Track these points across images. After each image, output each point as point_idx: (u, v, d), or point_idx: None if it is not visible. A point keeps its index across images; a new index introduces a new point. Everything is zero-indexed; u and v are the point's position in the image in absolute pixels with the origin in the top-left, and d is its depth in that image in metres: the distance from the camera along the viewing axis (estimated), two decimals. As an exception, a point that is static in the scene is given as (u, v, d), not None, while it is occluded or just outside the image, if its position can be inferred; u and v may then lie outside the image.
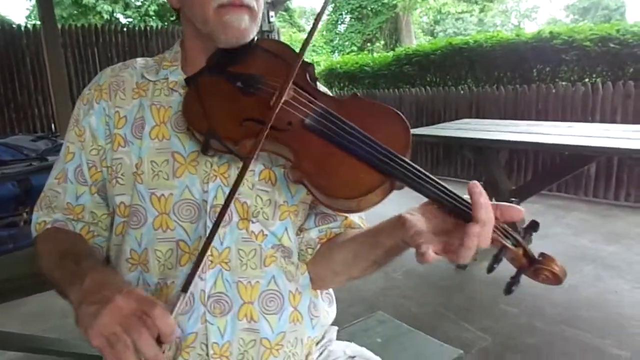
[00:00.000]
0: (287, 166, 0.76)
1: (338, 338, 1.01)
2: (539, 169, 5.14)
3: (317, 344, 0.93)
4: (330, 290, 0.96)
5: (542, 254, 0.66)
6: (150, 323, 0.58)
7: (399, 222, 0.69)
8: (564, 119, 4.86)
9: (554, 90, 5.01)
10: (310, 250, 0.88)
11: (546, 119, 4.97)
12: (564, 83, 5.08)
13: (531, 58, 5.66)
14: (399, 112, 0.76)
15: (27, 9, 18.86)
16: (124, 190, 0.82)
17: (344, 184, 0.68)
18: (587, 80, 5.22)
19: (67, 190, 0.86)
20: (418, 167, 0.67)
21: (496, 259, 0.62)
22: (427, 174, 0.66)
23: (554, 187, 4.86)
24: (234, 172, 0.81)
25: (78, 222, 0.86)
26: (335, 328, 1.01)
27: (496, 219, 0.63)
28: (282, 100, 0.73)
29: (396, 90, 6.93)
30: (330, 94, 0.87)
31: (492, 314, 2.63)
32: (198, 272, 0.67)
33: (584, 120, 4.75)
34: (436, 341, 1.26)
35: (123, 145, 0.83)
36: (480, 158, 3.26)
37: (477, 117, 5.60)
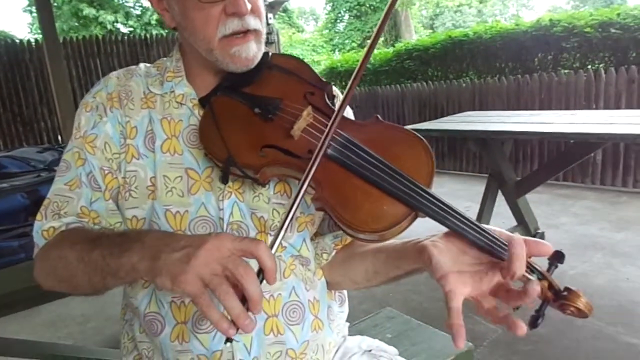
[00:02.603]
0: (308, 193, 0.73)
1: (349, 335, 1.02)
2: (544, 159, 5.13)
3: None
4: (344, 290, 0.97)
5: (567, 289, 0.65)
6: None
7: (423, 255, 0.69)
8: (567, 108, 4.84)
9: (556, 79, 4.98)
10: (325, 255, 0.89)
11: (550, 108, 4.95)
12: (566, 71, 5.05)
13: (532, 47, 5.64)
14: (422, 138, 0.74)
15: (29, 23, 19.07)
16: (137, 204, 0.80)
17: (368, 217, 0.67)
18: (589, 67, 5.20)
19: (81, 195, 0.81)
20: (443, 200, 0.67)
21: None
22: (453, 206, 0.66)
23: (561, 176, 4.84)
24: (248, 188, 0.80)
25: (94, 226, 0.81)
26: (347, 324, 1.02)
27: None
28: (321, 153, 0.67)
29: (398, 85, 6.93)
30: (351, 115, 0.86)
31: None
32: None
33: (588, 107, 4.72)
34: (446, 334, 1.27)
35: (137, 157, 0.80)
36: (485, 150, 3.25)
37: (481, 109, 5.59)
